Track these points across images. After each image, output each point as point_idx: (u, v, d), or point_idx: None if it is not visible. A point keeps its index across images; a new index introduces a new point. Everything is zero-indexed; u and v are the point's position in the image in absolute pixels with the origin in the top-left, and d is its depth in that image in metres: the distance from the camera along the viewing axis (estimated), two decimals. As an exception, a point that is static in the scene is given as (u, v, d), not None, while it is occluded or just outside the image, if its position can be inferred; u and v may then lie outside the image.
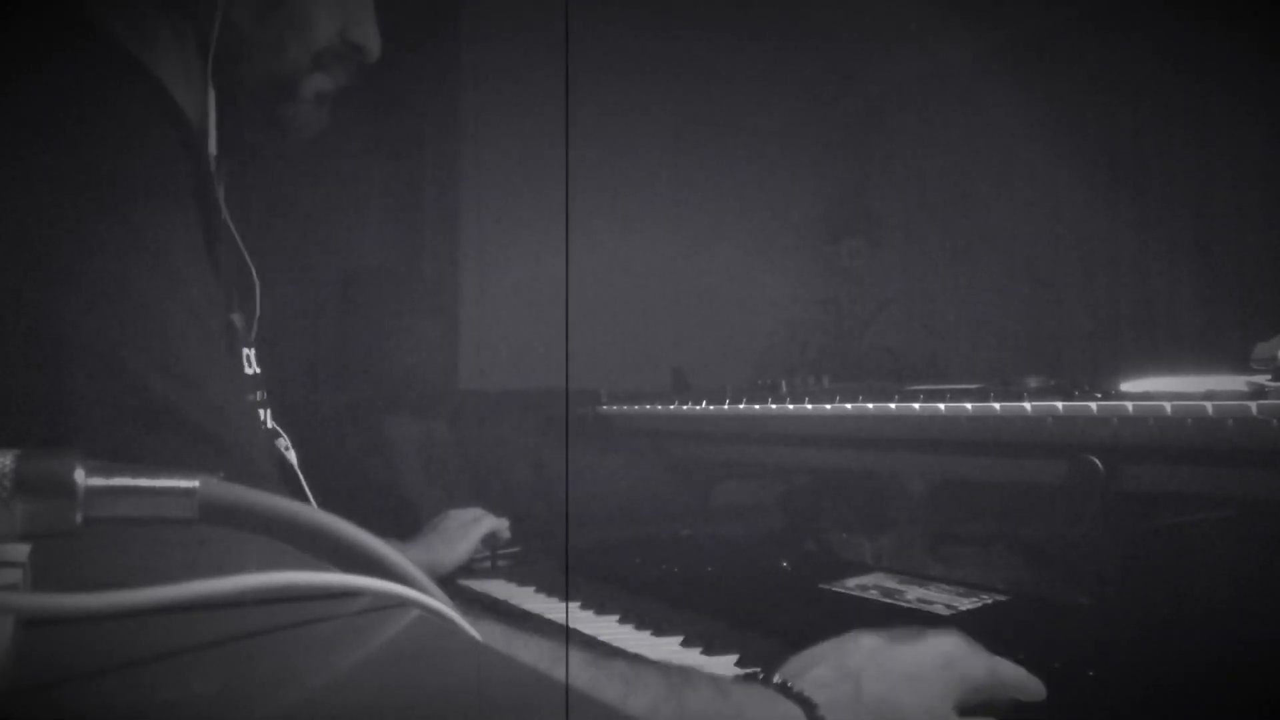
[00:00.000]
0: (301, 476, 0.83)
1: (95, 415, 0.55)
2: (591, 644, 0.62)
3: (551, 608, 1.12)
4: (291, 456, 0.84)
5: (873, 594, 1.03)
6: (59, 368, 0.55)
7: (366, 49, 0.81)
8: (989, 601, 0.97)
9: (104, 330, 0.56)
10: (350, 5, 0.80)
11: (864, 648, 0.67)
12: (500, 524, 1.35)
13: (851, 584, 1.07)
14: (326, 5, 0.78)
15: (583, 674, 0.55)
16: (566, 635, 0.57)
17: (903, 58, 2.61)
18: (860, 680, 0.63)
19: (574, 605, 1.11)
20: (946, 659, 0.67)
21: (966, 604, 0.96)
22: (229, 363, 0.68)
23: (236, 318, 0.80)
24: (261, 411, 0.81)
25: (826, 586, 1.07)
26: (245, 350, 0.82)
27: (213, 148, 0.75)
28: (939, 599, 0.98)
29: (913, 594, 1.01)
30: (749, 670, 0.68)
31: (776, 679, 0.63)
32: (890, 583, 1.06)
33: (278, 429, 0.84)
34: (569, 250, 1.94)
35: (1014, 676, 0.68)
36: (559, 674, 0.53)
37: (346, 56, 0.81)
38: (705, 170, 2.60)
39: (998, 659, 0.69)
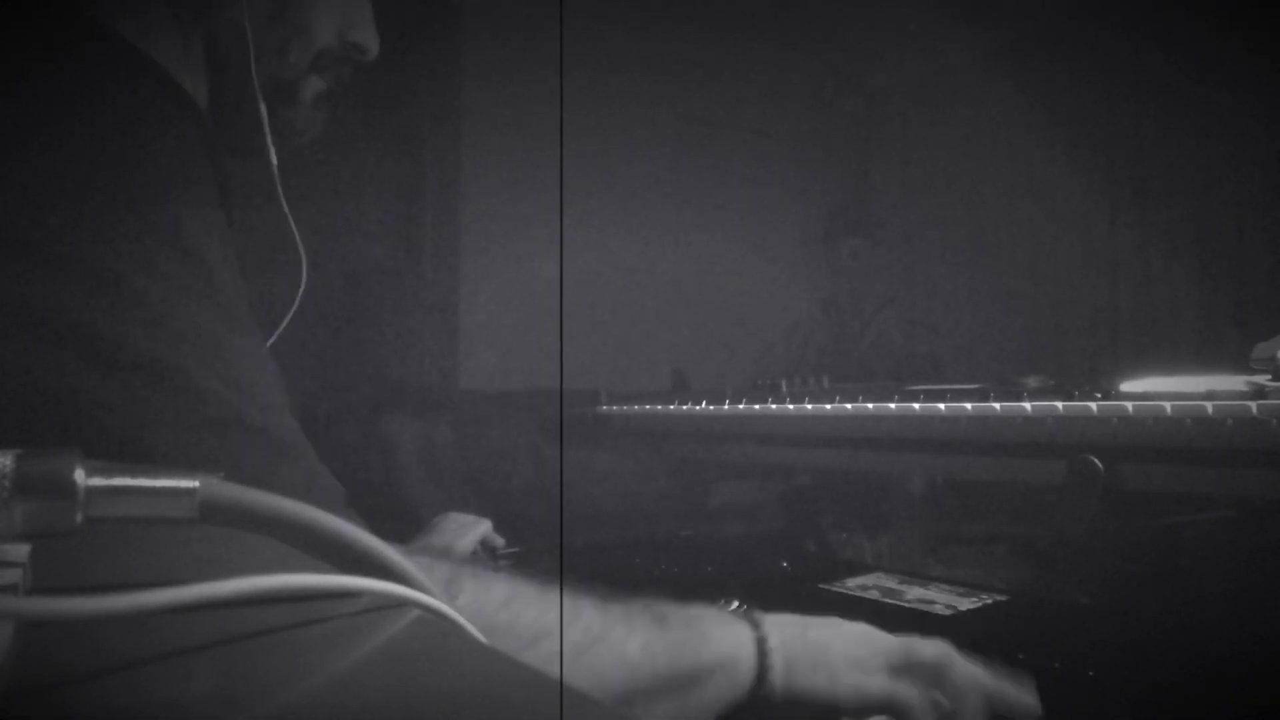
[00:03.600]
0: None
1: (163, 426, 0.57)
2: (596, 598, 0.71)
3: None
4: None
5: (873, 594, 1.03)
6: (117, 381, 0.56)
7: (366, 49, 0.82)
8: (989, 601, 0.97)
9: (153, 342, 0.57)
10: (351, 7, 0.81)
11: (836, 619, 0.75)
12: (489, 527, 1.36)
13: (851, 584, 1.07)
14: (327, 7, 0.79)
15: (598, 621, 0.64)
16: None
17: (903, 58, 2.61)
18: (809, 625, 0.72)
19: (574, 605, 1.11)
20: (905, 638, 0.73)
21: (966, 604, 0.96)
22: (270, 359, 0.69)
23: None
24: None
25: (826, 586, 1.07)
26: None
27: (274, 158, 0.77)
28: (939, 599, 0.98)
29: (913, 594, 1.01)
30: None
31: (732, 606, 0.73)
32: (890, 583, 1.06)
33: None
34: (565, 250, 1.94)
35: (970, 675, 0.72)
36: (578, 625, 0.63)
37: (345, 57, 0.81)
38: (705, 170, 2.60)
39: (962, 660, 0.73)
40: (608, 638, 0.64)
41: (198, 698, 0.27)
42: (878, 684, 0.70)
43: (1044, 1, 2.31)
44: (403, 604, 0.35)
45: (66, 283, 0.56)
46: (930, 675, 0.71)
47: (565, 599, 0.64)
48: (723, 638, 0.69)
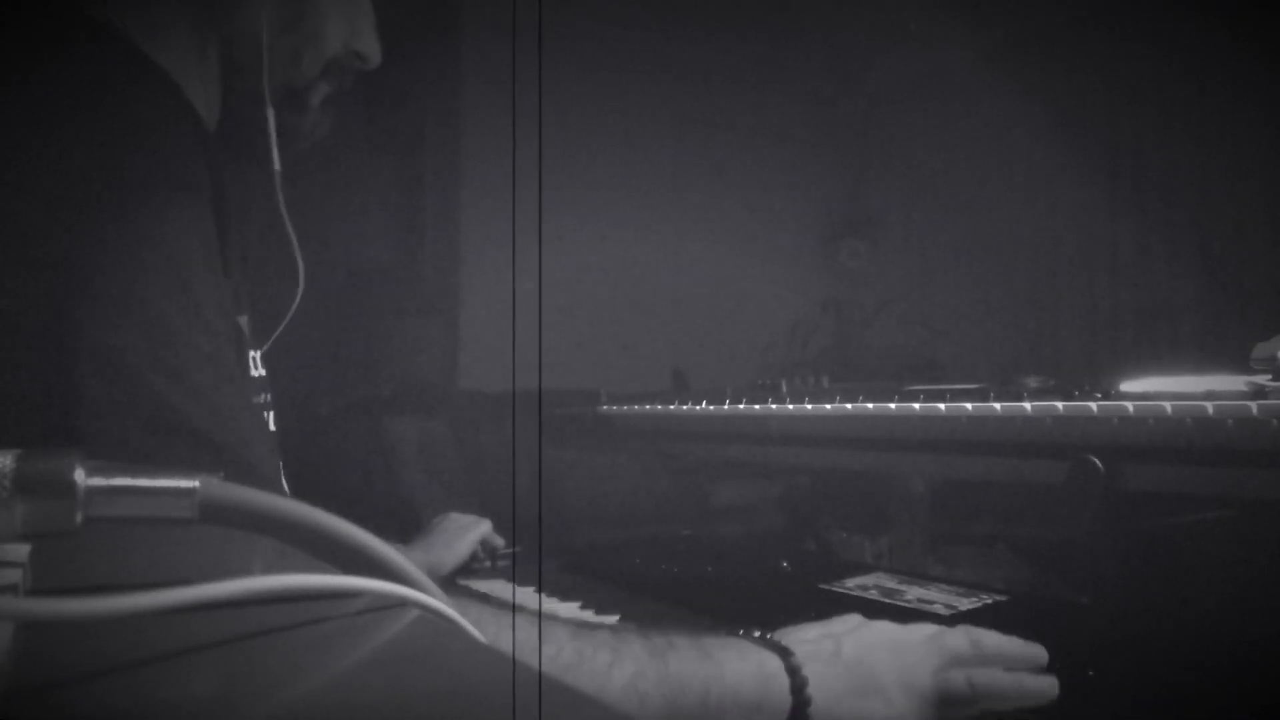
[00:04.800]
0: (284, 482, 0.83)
1: (100, 417, 0.55)
2: (575, 620, 0.65)
3: (552, 606, 1.12)
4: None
5: (873, 594, 1.03)
6: (65, 368, 0.55)
7: (369, 57, 0.84)
8: (989, 601, 0.97)
9: (109, 331, 0.56)
10: (356, 17, 0.82)
11: (853, 620, 0.70)
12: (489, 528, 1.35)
13: (851, 584, 1.07)
14: (337, 17, 0.81)
15: (570, 645, 0.57)
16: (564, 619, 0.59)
17: (903, 58, 2.61)
18: (841, 641, 0.66)
19: (574, 605, 1.11)
20: (931, 633, 0.69)
21: (966, 604, 0.96)
22: (235, 366, 0.68)
23: (244, 320, 0.80)
24: (266, 414, 0.81)
25: (826, 586, 1.07)
26: (252, 353, 0.82)
27: (276, 164, 0.78)
28: (939, 599, 0.98)
29: (913, 594, 1.01)
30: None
31: (756, 634, 0.66)
32: (890, 583, 1.06)
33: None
34: (563, 250, 1.94)
35: (998, 644, 0.69)
36: (546, 650, 0.55)
37: (349, 66, 0.83)
38: (705, 170, 2.59)
39: (983, 631, 0.70)
40: (581, 666, 0.56)
41: (198, 698, 0.27)
42: (931, 689, 0.64)
43: (1044, 1, 2.31)
44: (403, 604, 0.35)
45: (49, 279, 0.56)
46: (967, 662, 0.68)
47: (534, 624, 0.58)
48: (741, 670, 0.61)
